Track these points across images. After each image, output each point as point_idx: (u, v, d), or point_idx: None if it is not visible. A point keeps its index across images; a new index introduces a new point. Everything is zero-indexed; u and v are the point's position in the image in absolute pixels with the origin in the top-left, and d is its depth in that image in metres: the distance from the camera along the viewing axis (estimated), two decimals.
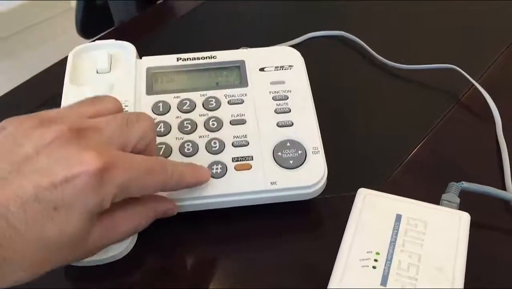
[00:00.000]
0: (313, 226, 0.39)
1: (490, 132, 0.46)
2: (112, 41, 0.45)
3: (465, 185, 0.38)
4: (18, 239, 0.26)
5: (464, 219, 0.35)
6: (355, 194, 0.37)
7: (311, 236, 0.39)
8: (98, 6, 0.93)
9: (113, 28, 0.65)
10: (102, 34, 0.58)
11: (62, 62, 0.44)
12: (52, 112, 0.31)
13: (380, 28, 0.57)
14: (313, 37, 0.57)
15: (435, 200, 0.37)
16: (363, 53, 0.54)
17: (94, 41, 0.46)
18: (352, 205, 0.36)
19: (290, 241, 0.38)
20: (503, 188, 0.41)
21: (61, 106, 0.40)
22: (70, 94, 0.41)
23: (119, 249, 0.35)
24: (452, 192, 0.38)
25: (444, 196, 0.37)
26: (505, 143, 0.44)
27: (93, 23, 0.96)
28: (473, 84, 0.49)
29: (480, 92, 0.48)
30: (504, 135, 0.45)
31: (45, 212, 0.26)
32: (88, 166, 0.27)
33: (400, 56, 0.52)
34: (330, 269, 0.33)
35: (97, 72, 0.43)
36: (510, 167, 0.42)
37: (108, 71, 0.43)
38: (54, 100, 0.41)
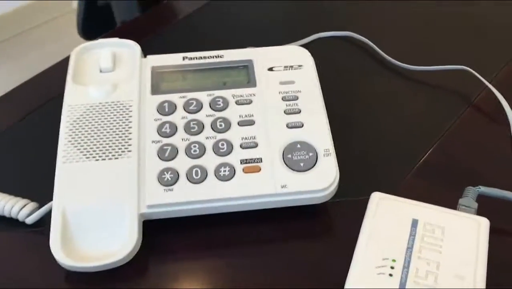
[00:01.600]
0: (325, 231, 0.38)
1: (504, 135, 0.44)
2: (116, 39, 0.44)
3: (482, 189, 0.37)
4: None
5: (483, 224, 0.33)
6: (368, 198, 0.35)
7: (322, 242, 0.37)
8: (100, 7, 0.92)
9: (115, 28, 0.64)
10: (103, 35, 0.57)
11: (65, 61, 0.43)
12: None
13: (388, 29, 0.56)
14: (320, 38, 0.55)
15: (451, 204, 0.36)
16: (372, 54, 0.53)
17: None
18: (364, 209, 0.35)
19: (301, 247, 0.37)
20: None
21: (64, 105, 0.39)
22: (73, 94, 0.40)
23: (123, 254, 0.34)
24: (470, 197, 0.36)
25: (461, 201, 0.36)
26: None
27: (95, 24, 0.95)
28: (486, 86, 0.48)
29: (493, 93, 0.47)
30: None
31: None
32: None
33: (410, 57, 0.51)
34: (344, 276, 0.32)
35: (101, 71, 0.42)
36: None
37: (111, 70, 0.42)
38: (58, 99, 0.39)
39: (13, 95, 0.49)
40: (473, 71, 0.48)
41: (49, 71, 0.51)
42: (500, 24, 0.56)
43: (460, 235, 0.33)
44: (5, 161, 0.43)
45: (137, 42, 0.43)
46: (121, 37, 0.44)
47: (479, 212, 0.35)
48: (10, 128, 0.46)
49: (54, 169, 0.36)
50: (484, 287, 0.30)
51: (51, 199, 0.37)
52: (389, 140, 0.44)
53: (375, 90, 0.49)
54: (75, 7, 0.94)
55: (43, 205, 0.38)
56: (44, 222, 0.38)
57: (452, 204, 0.36)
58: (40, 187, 0.39)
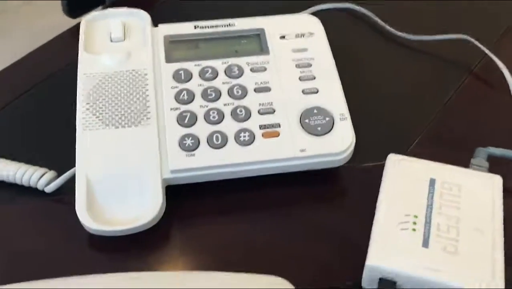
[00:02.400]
0: (341, 195, 0.39)
1: (505, 101, 0.46)
2: (125, 9, 0.43)
3: (492, 149, 0.38)
4: None
5: (497, 181, 0.35)
6: (376, 165, 0.36)
7: (340, 205, 0.38)
8: None
9: (106, 4, 0.63)
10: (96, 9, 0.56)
11: (75, 30, 0.42)
12: None
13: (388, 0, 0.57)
14: (320, 10, 0.56)
15: (461, 166, 0.37)
16: (373, 25, 0.54)
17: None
18: (375, 175, 0.36)
19: (320, 211, 0.38)
20: None
21: (78, 74, 0.38)
22: (86, 63, 0.39)
23: (147, 219, 0.34)
24: (481, 157, 0.38)
25: (473, 161, 0.37)
26: None
27: (81, 1, 0.93)
28: (486, 54, 0.49)
29: (493, 61, 0.48)
30: None
31: None
32: None
33: (410, 27, 0.52)
34: (363, 237, 0.33)
35: (111, 41, 0.41)
36: None
37: (122, 40, 0.42)
38: (70, 67, 0.39)
39: (24, 62, 0.48)
40: (473, 40, 0.50)
41: (57, 40, 0.50)
42: None
43: (476, 192, 0.34)
44: (17, 131, 0.43)
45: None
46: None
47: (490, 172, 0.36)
48: (17, 99, 0.45)
49: (67, 139, 0.36)
50: (503, 240, 0.32)
51: (68, 168, 0.37)
52: (393, 109, 0.45)
53: (376, 60, 0.50)
54: None
55: (61, 174, 0.37)
56: (63, 191, 0.38)
57: (461, 166, 0.37)
58: (55, 156, 0.39)
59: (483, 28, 0.53)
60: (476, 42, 0.50)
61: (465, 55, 0.50)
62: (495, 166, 0.37)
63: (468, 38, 0.50)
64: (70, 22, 0.50)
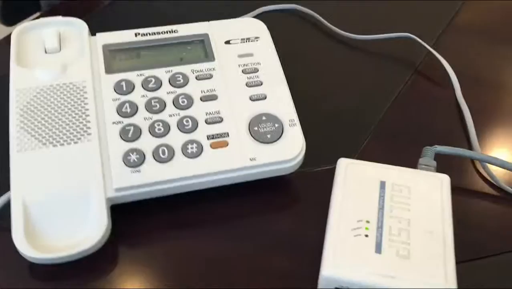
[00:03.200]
0: (294, 202, 0.38)
1: (450, 96, 0.47)
2: (59, 18, 0.41)
3: (439, 148, 0.39)
4: None
5: (445, 181, 0.35)
6: (329, 168, 0.36)
7: (293, 212, 0.38)
8: None
9: (43, 11, 0.60)
10: (32, 17, 0.53)
11: (5, 42, 0.40)
12: None
13: (332, 0, 0.57)
14: (265, 12, 0.55)
15: (409, 165, 0.37)
16: (318, 26, 0.54)
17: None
18: (327, 178, 0.36)
19: (273, 219, 0.37)
20: (470, 148, 0.42)
21: (11, 89, 0.36)
22: (20, 77, 0.37)
23: (92, 242, 0.32)
24: (428, 156, 0.38)
25: (421, 160, 0.38)
26: (466, 105, 0.45)
27: (16, 8, 0.88)
28: (428, 51, 0.50)
29: (436, 57, 0.49)
30: (463, 96, 0.46)
31: None
32: None
33: (355, 27, 0.52)
34: (318, 243, 0.32)
35: (46, 52, 0.39)
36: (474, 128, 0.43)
37: (58, 51, 0.39)
38: (4, 79, 0.36)
39: None
40: (417, 38, 0.50)
41: None
42: None
43: (425, 192, 0.34)
44: None
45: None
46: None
47: (438, 169, 0.37)
48: None
49: (4, 160, 0.34)
50: (453, 240, 0.32)
51: (2, 192, 0.35)
52: (341, 110, 0.45)
53: (322, 61, 0.50)
54: None
55: None
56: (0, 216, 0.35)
57: (410, 164, 0.37)
58: None
59: (424, 26, 0.53)
60: (419, 40, 0.50)
61: (409, 53, 0.51)
62: (443, 163, 0.38)
63: (411, 36, 0.51)
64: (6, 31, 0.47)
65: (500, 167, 0.39)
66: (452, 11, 0.56)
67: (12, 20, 0.89)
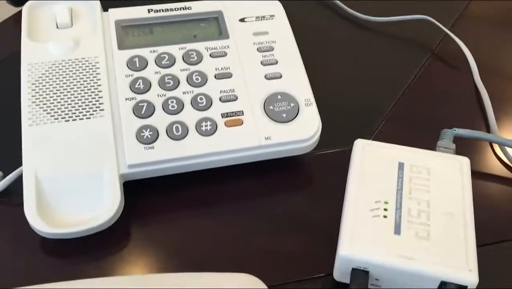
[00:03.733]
0: (309, 183, 0.38)
1: (467, 79, 0.46)
2: None
3: (458, 131, 0.38)
4: None
5: (465, 163, 0.34)
6: (343, 150, 0.35)
7: (308, 194, 0.37)
8: None
9: None
10: None
11: (16, 17, 0.39)
12: None
13: None
14: None
15: (426, 148, 0.36)
16: (334, 8, 0.52)
17: None
18: (343, 160, 0.35)
19: (287, 200, 0.36)
20: (488, 132, 0.41)
21: (22, 64, 0.35)
22: (31, 52, 0.36)
23: (105, 218, 0.32)
24: (447, 139, 0.37)
25: (439, 143, 0.37)
26: (484, 88, 0.44)
27: None
28: (446, 33, 0.49)
29: (454, 40, 0.48)
30: (482, 80, 0.45)
31: None
32: None
33: (371, 8, 0.51)
34: (335, 225, 0.32)
35: (57, 27, 0.38)
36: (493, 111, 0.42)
37: (69, 26, 0.39)
38: (13, 56, 0.36)
39: None
40: (433, 20, 0.49)
41: None
42: None
43: (445, 174, 0.33)
44: None
45: None
46: None
47: (456, 153, 0.36)
48: None
49: (12, 136, 0.33)
50: (473, 222, 0.31)
51: (14, 167, 0.35)
52: (357, 92, 0.45)
53: (338, 42, 0.49)
54: None
55: (8, 174, 0.34)
56: (10, 192, 0.35)
57: (427, 147, 0.36)
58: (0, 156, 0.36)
59: (441, 8, 0.52)
60: (436, 22, 0.49)
61: (425, 36, 0.50)
62: (461, 147, 0.37)
63: (428, 18, 0.50)
64: (12, 10, 0.46)
65: None
66: None
67: (21, 0, 0.88)
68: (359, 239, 0.30)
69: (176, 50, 0.38)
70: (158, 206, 0.35)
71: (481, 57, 0.47)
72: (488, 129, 0.42)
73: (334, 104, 0.43)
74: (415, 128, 0.42)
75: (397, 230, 0.30)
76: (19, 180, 0.33)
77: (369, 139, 0.40)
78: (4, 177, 0.35)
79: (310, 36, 0.49)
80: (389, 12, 0.51)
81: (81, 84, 0.35)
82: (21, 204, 0.31)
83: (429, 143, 0.37)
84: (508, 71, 0.47)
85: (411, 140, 0.38)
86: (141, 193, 0.35)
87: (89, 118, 0.34)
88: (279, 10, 0.41)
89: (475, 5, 0.54)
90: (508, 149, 0.39)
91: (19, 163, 0.33)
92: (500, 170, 0.39)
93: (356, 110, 0.43)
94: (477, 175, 0.38)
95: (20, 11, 0.43)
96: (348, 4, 0.52)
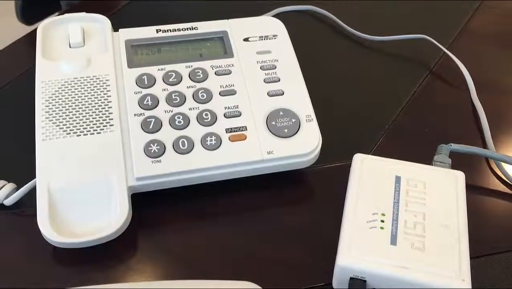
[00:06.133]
0: (310, 196, 0.39)
1: (465, 97, 0.47)
2: (83, 14, 0.42)
3: (454, 146, 0.39)
4: None
5: (460, 177, 0.35)
6: (343, 164, 0.37)
7: (309, 206, 0.38)
8: None
9: (63, 10, 0.61)
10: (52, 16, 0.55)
11: (31, 36, 0.41)
12: None
13: (348, 1, 0.58)
14: (282, 12, 0.56)
15: (423, 163, 0.37)
16: (334, 27, 0.54)
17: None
18: (343, 174, 0.36)
19: (289, 212, 0.38)
20: (484, 147, 0.43)
21: (36, 81, 0.37)
22: (44, 70, 0.38)
23: (114, 228, 0.33)
24: (443, 153, 0.38)
25: (436, 158, 0.38)
26: (481, 106, 0.45)
27: (37, 6, 0.90)
28: (444, 52, 0.51)
29: (451, 59, 0.50)
30: (478, 98, 0.46)
31: None
32: None
33: (371, 28, 0.53)
34: (333, 236, 0.33)
35: (70, 46, 0.40)
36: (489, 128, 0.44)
37: (82, 45, 0.40)
38: (27, 74, 0.37)
39: None
40: (431, 39, 0.51)
41: (14, 46, 0.48)
42: None
43: (441, 188, 0.35)
44: None
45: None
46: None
47: (452, 167, 0.37)
48: None
49: (27, 150, 0.35)
50: (467, 234, 0.32)
51: (28, 179, 0.36)
52: (356, 109, 0.46)
53: (339, 61, 0.51)
54: None
55: (21, 186, 0.36)
56: (24, 203, 0.36)
57: (424, 163, 0.38)
58: (14, 168, 0.38)
59: (440, 28, 0.54)
60: (434, 42, 0.51)
61: (424, 55, 0.51)
62: (457, 162, 0.38)
63: (427, 37, 0.51)
64: (26, 30, 0.49)
65: None
66: (467, 14, 0.57)
67: (32, 19, 0.90)
68: (357, 250, 0.31)
69: (183, 68, 0.39)
70: (164, 217, 0.36)
71: (478, 75, 0.48)
72: (484, 145, 0.43)
73: (335, 121, 0.44)
74: (413, 143, 0.43)
75: (394, 241, 0.32)
76: (31, 192, 0.35)
77: (368, 153, 0.41)
78: (18, 189, 0.36)
79: (311, 55, 0.50)
80: (389, 31, 0.52)
81: (92, 101, 0.37)
82: (33, 215, 0.33)
83: (427, 159, 0.38)
84: (504, 89, 0.48)
85: (409, 154, 0.39)
86: (148, 204, 0.36)
87: (100, 133, 0.36)
88: (282, 30, 0.43)
89: (473, 24, 0.55)
90: (503, 164, 0.41)
91: (32, 176, 0.35)
92: (495, 184, 0.40)
93: (357, 126, 0.44)
94: (473, 188, 0.40)
95: (32, 30, 0.45)
96: (349, 24, 0.53)
